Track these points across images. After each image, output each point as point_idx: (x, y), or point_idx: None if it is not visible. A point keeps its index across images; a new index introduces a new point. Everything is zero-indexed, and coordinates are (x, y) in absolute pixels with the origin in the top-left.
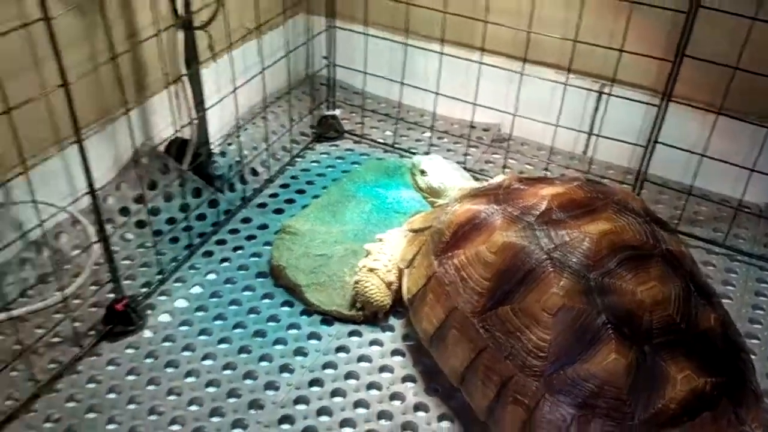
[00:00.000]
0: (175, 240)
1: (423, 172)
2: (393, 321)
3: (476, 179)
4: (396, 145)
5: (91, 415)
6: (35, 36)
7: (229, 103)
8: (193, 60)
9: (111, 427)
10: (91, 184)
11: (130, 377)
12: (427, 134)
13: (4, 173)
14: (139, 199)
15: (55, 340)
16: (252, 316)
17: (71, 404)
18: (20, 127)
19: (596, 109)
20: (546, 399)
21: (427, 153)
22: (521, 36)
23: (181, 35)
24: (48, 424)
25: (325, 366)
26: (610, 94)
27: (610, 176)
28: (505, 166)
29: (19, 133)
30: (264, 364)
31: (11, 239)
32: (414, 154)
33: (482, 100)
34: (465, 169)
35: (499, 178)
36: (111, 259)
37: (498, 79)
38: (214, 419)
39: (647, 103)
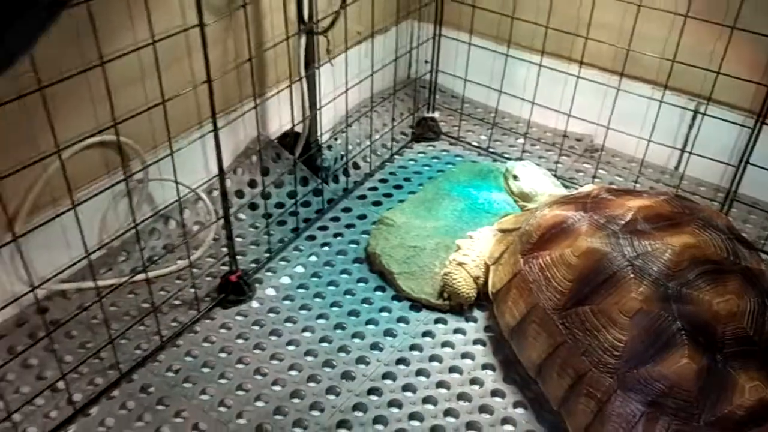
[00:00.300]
0: (282, 223)
1: (516, 177)
2: (477, 313)
3: (566, 187)
4: (490, 149)
5: (206, 370)
6: (177, 38)
7: (338, 100)
8: (311, 62)
9: (222, 381)
10: (221, 168)
11: (239, 341)
12: (521, 141)
13: (145, 155)
14: (253, 184)
15: (177, 302)
16: (348, 297)
17: (189, 358)
18: (161, 115)
19: (690, 126)
20: (617, 394)
21: (519, 159)
22: (620, 51)
23: (303, 40)
24: (169, 373)
25: (412, 348)
26: (705, 114)
27: (700, 193)
28: (594, 176)
29: (158, 120)
30: (356, 340)
31: (145, 212)
32: (507, 159)
33: (577, 111)
34: (555, 176)
35: (588, 188)
36: (230, 235)
37: (594, 91)
38: (311, 384)
39: (741, 125)
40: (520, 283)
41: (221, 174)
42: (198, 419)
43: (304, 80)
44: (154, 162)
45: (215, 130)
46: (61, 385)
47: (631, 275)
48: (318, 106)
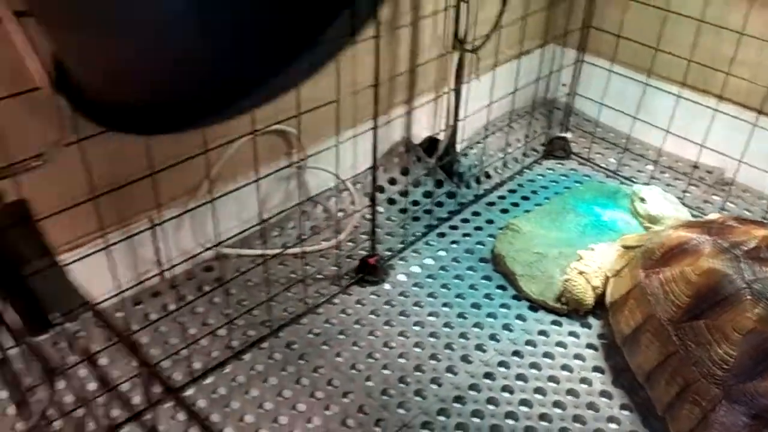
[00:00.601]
0: (416, 219)
1: (643, 200)
2: (591, 320)
3: (692, 216)
4: (618, 173)
5: (341, 336)
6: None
7: (477, 114)
8: (460, 76)
9: (354, 348)
10: (374, 163)
11: (372, 316)
12: (650, 167)
13: (302, 149)
14: (393, 181)
15: (320, 276)
16: (471, 291)
17: (327, 325)
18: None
19: None
20: (723, 405)
21: (647, 184)
22: (759, 88)
23: (456, 56)
24: (310, 335)
25: (527, 343)
26: None
27: None
28: (722, 209)
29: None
30: (476, 329)
31: (299, 197)
32: (635, 183)
33: (710, 142)
34: (683, 204)
35: (714, 215)
36: (374, 222)
37: (729, 125)
38: (432, 362)
39: None
40: (638, 295)
41: (374, 168)
42: (332, 376)
43: (452, 93)
44: (314, 154)
45: (375, 128)
46: (221, 332)
47: (748, 297)
48: (460, 118)
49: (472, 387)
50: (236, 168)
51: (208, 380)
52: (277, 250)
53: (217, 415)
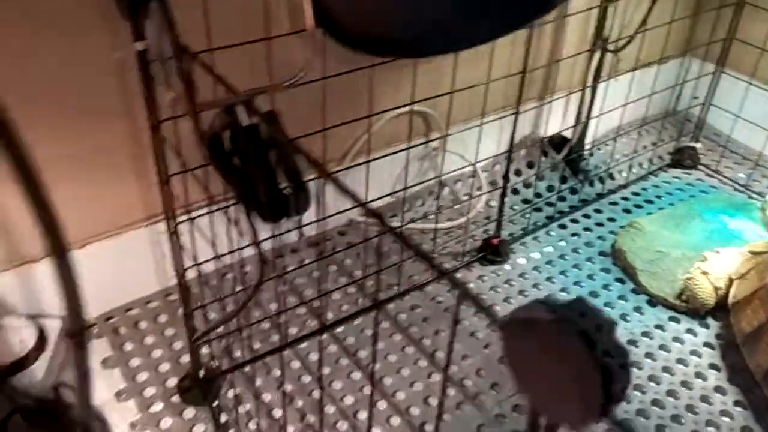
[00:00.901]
0: (538, 210)
1: None
2: (710, 321)
3: None
4: (747, 187)
5: (462, 307)
6: None
7: (607, 114)
8: (598, 76)
9: (474, 318)
10: (510, 149)
11: (491, 292)
12: None
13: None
14: (518, 172)
15: (445, 252)
16: (589, 280)
17: (449, 295)
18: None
19: None
20: None
21: None
22: None
23: (597, 55)
24: (432, 302)
25: (643, 334)
26: None
27: None
28: None
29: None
30: None
31: (429, 177)
32: (764, 196)
33: None
34: None
35: None
36: (502, 206)
37: None
38: None
39: None
40: (764, 296)
41: (510, 152)
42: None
43: (587, 91)
44: (447, 135)
45: (516, 113)
46: (350, 290)
47: None
48: (591, 117)
49: None
50: (376, 143)
51: (338, 330)
52: (411, 225)
53: (346, 359)
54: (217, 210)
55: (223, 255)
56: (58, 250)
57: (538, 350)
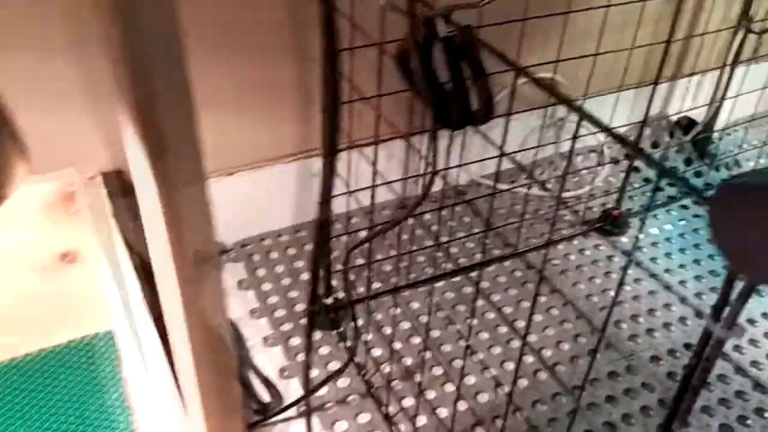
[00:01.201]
0: (659, 189)
1: None
2: None
3: None
4: None
5: (578, 271)
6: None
7: (744, 100)
8: (738, 57)
9: (589, 282)
10: (645, 118)
11: (608, 260)
12: None
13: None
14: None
15: (563, 220)
16: (709, 260)
17: (565, 259)
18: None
19: None
20: None
21: None
22: None
23: (740, 35)
24: (548, 264)
25: (763, 315)
26: None
27: None
28: None
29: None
30: (711, 293)
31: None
32: None
33: None
34: None
35: None
36: (627, 178)
37: None
38: (663, 311)
39: None
40: None
41: (643, 123)
42: (568, 300)
43: (725, 71)
44: (583, 101)
45: (655, 83)
46: (469, 244)
47: None
48: (725, 98)
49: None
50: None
51: (456, 279)
52: (540, 192)
53: (463, 306)
54: (380, 142)
55: (381, 184)
56: None
57: (748, 215)
